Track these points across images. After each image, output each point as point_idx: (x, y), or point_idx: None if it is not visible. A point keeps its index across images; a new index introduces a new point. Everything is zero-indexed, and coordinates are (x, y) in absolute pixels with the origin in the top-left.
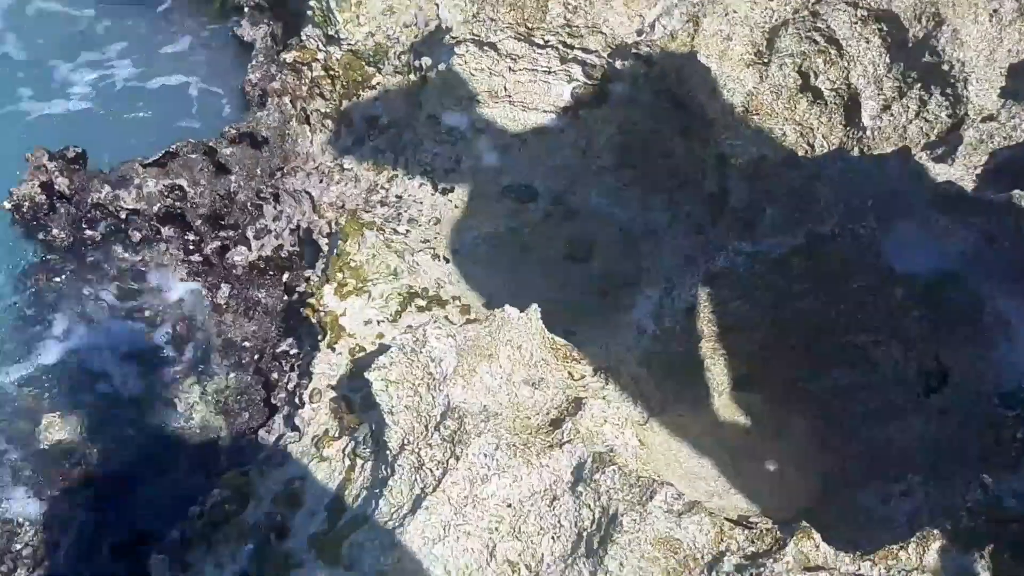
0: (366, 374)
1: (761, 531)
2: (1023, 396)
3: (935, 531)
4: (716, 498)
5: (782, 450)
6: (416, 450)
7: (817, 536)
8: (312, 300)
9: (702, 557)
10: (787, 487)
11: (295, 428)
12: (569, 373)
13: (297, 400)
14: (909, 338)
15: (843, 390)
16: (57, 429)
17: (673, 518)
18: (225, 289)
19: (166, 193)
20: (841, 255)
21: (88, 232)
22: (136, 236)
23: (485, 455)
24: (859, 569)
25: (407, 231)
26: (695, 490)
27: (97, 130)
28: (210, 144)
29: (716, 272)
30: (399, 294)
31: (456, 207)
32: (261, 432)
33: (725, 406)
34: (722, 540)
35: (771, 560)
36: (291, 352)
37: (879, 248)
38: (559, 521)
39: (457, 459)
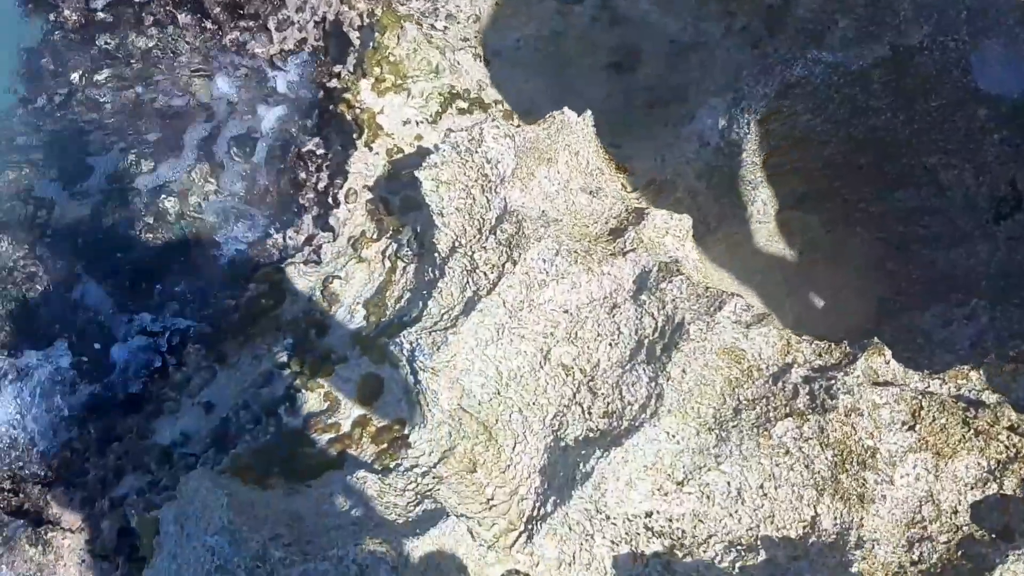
0: (416, 173)
1: (829, 345)
2: None
3: (1010, 352)
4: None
5: (838, 271)
6: (468, 253)
7: (887, 352)
8: (348, 96)
9: (767, 368)
10: (841, 308)
11: (329, 228)
12: (622, 184)
13: (330, 200)
14: (985, 162)
15: (907, 213)
16: (66, 211)
17: (741, 329)
18: (242, 80)
19: None
20: (926, 70)
21: (100, 14)
22: (150, 21)
23: (544, 260)
24: (928, 386)
25: (445, 27)
26: None
27: None
28: None
29: (792, 82)
30: (440, 94)
31: (497, 4)
32: (289, 231)
33: (782, 225)
34: (788, 353)
35: (841, 373)
36: (318, 152)
37: (967, 64)
38: (618, 328)
39: (514, 263)
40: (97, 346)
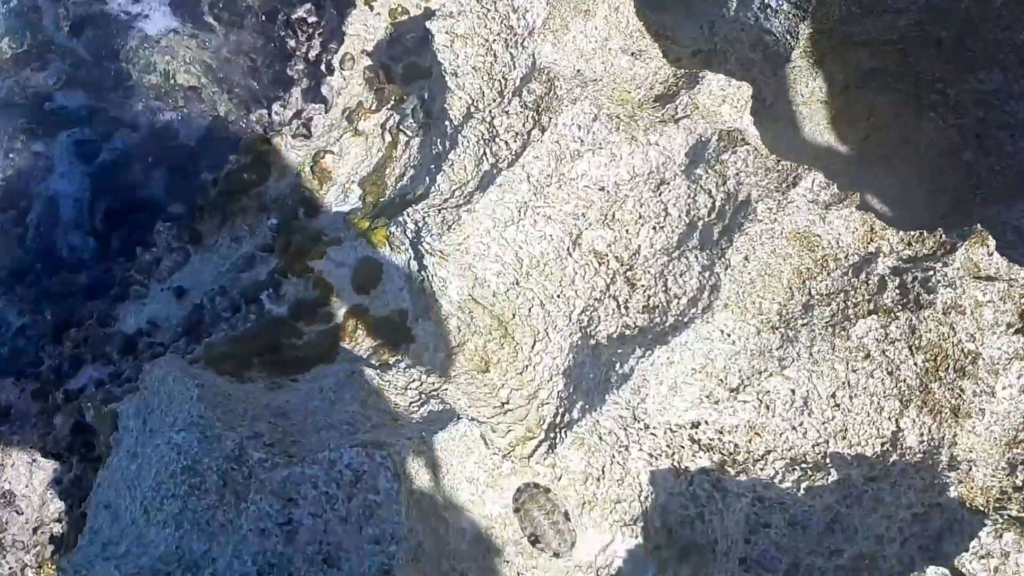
0: (428, 24)
1: (920, 233)
2: None
3: None
4: None
5: (907, 161)
6: (487, 119)
7: (991, 242)
8: None
9: (845, 258)
10: (910, 202)
11: (321, 100)
12: (663, 53)
13: (323, 68)
14: None
15: (987, 97)
16: (38, 80)
17: (817, 210)
18: None
19: None
20: None
21: None
22: None
23: (579, 126)
24: None
25: None
26: None
27: None
28: None
29: None
30: None
31: None
32: (275, 106)
33: (846, 106)
34: (872, 240)
35: (939, 264)
36: (310, 20)
37: None
38: (666, 209)
39: (542, 130)
40: (54, 224)
